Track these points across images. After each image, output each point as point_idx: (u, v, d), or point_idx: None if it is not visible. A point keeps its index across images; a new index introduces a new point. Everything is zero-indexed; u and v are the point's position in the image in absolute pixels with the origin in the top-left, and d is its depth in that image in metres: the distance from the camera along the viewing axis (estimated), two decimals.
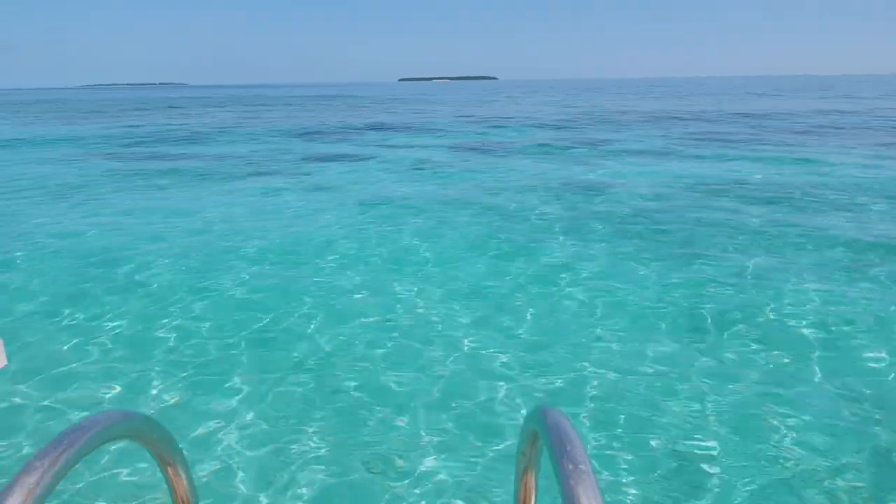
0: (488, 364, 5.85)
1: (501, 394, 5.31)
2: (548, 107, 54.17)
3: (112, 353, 6.18)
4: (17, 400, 5.27)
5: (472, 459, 4.40)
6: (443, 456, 4.43)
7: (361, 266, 8.90)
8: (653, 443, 4.55)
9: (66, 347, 6.30)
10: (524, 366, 5.80)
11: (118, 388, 5.46)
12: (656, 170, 17.43)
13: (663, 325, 6.67)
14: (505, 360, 5.93)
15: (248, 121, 41.45)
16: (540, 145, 24.16)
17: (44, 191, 15.40)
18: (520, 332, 6.58)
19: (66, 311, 7.25)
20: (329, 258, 9.34)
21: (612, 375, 5.58)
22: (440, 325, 6.76)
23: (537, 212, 12.40)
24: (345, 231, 10.97)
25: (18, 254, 9.73)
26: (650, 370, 5.66)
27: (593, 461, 4.16)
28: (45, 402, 5.22)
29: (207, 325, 6.85)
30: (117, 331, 6.69)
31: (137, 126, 38.07)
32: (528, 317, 6.95)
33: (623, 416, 4.91)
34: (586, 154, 21.25)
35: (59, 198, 14.45)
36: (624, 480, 4.17)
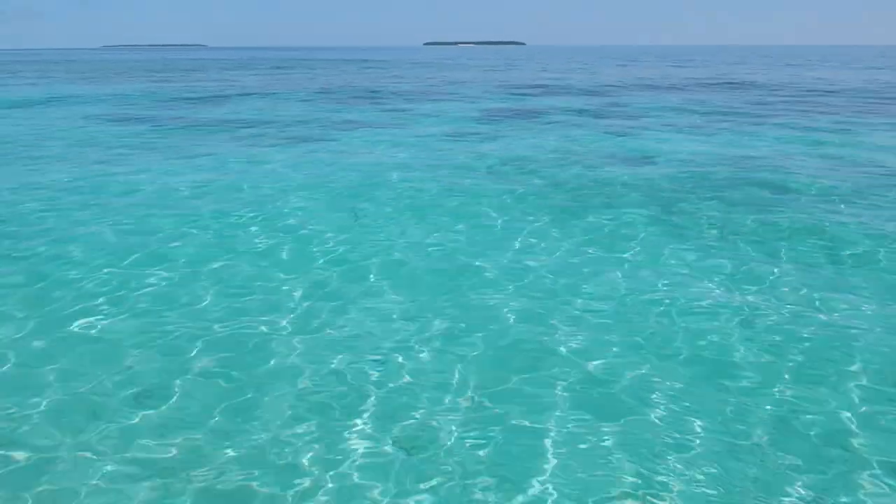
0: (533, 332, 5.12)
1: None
2: (577, 73, 52.51)
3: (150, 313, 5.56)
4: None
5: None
6: None
7: (389, 230, 8.17)
8: None
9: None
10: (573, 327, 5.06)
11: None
12: (695, 141, 16.37)
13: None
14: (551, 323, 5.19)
15: (270, 85, 40.60)
16: (571, 111, 23.06)
17: (63, 148, 14.81)
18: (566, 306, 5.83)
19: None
20: (355, 225, 8.62)
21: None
22: (452, 293, 6.03)
23: (570, 180, 11.55)
24: (370, 197, 10.23)
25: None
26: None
27: None
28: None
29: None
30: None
31: (159, 87, 37.44)
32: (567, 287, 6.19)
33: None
34: (619, 122, 20.17)
35: (80, 158, 13.84)
36: None
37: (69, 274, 7.13)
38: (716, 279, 7.04)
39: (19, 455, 4.03)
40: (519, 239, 8.50)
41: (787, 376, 5.02)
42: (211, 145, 16.10)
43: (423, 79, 45.88)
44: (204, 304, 6.39)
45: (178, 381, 4.93)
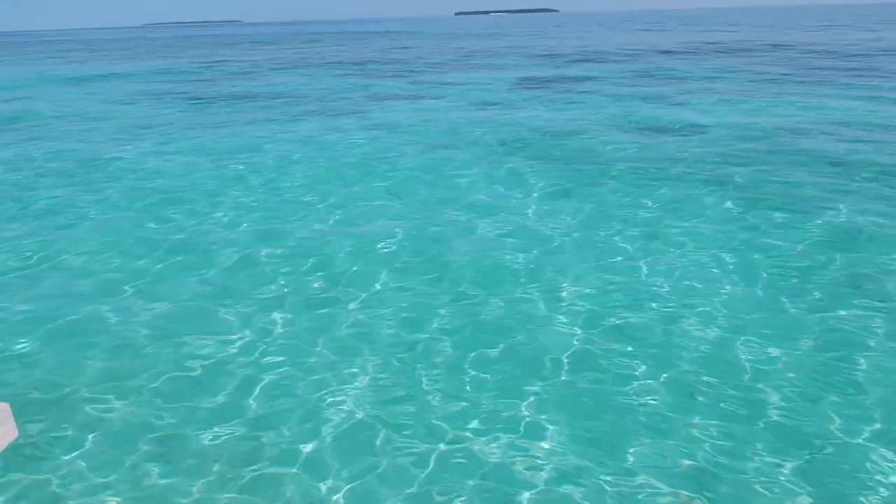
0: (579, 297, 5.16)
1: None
2: (614, 39, 51.25)
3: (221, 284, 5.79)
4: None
5: None
6: None
7: (418, 201, 8.24)
8: None
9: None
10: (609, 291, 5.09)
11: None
12: (740, 108, 15.93)
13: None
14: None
15: (304, 58, 40.70)
16: (610, 78, 22.61)
17: (115, 126, 15.22)
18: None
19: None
20: (389, 196, 8.71)
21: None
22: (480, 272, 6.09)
23: (607, 152, 11.39)
24: (403, 171, 10.30)
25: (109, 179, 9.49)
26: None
27: None
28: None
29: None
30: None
31: (198, 64, 37.88)
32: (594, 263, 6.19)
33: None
34: (660, 90, 19.71)
35: (130, 134, 14.21)
36: None
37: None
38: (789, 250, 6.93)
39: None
40: (579, 215, 8.47)
41: None
42: (249, 119, 16.31)
43: (455, 49, 45.40)
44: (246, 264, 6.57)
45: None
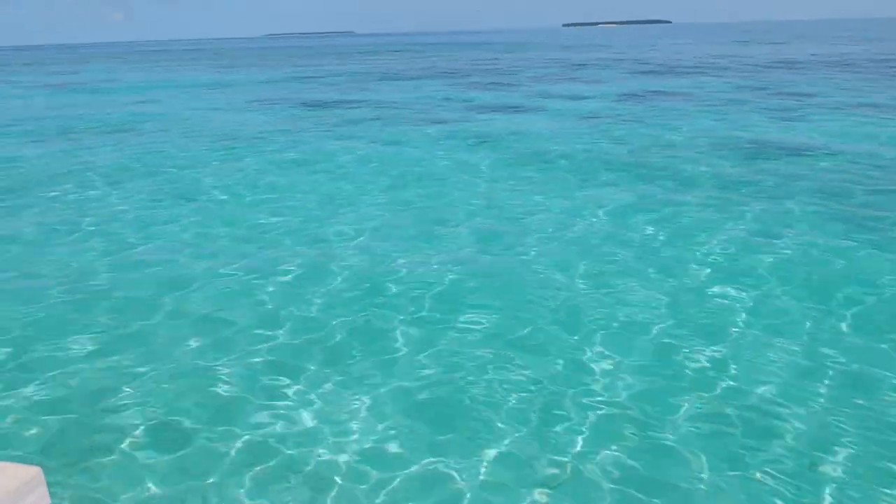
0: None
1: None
2: (731, 53, 49.02)
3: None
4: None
5: None
6: None
7: (521, 217, 8.28)
8: None
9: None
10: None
11: None
12: (872, 129, 14.81)
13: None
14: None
15: (411, 69, 41.79)
16: (723, 97, 21.67)
17: (223, 136, 16.32)
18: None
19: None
20: (490, 211, 8.81)
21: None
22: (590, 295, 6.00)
23: (714, 176, 10.93)
24: (499, 187, 10.38)
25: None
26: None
27: None
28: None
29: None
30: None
31: (312, 72, 39.80)
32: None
33: None
34: (781, 108, 18.66)
35: (245, 144, 15.20)
36: None
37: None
38: None
39: None
40: (701, 233, 8.28)
41: None
42: (360, 127, 16.98)
43: (560, 61, 45.06)
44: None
45: None
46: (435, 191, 10.24)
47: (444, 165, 12.10)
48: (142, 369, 4.97)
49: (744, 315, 5.66)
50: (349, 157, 12.98)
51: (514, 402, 4.44)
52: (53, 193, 10.63)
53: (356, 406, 4.44)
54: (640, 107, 19.60)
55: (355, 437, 4.10)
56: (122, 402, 4.52)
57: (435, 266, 7.01)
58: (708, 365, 4.87)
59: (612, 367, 4.87)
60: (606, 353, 5.10)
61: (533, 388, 4.61)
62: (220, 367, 4.98)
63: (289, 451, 3.97)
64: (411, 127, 16.81)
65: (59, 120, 19.95)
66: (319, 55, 68.32)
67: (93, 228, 8.62)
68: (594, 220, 8.53)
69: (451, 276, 6.71)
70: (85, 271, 7.05)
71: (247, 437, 4.12)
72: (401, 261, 7.16)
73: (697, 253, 7.21)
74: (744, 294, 6.08)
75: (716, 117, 17.04)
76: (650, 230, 8.04)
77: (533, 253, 7.36)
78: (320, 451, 3.96)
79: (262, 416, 4.33)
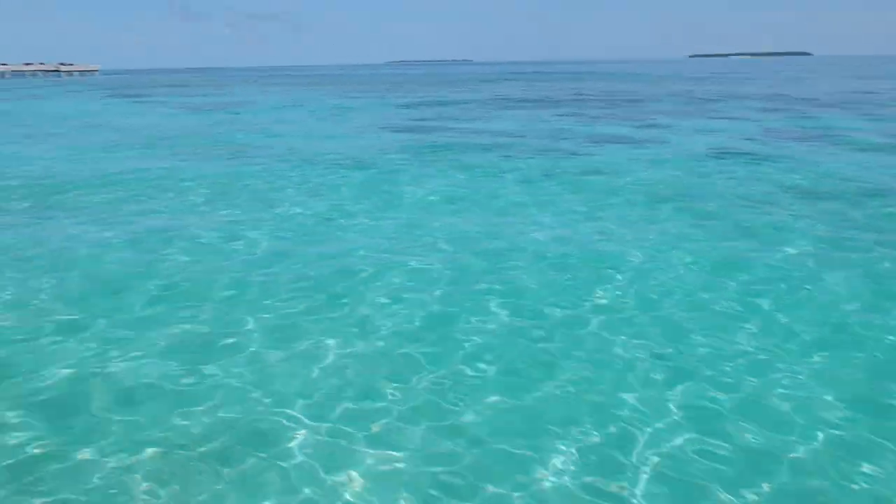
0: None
1: None
2: (873, 88, 44.84)
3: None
4: None
5: None
6: None
7: (637, 261, 7.51)
8: None
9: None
10: None
11: None
12: None
13: None
14: None
15: (527, 97, 41.51)
16: (861, 138, 19.54)
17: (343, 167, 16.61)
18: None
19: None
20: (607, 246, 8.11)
21: None
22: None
23: (870, 223, 9.59)
24: (614, 226, 9.61)
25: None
26: None
27: None
28: None
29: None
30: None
31: (428, 100, 40.51)
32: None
33: None
34: None
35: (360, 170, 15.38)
36: None
37: None
38: None
39: None
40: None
41: None
42: (469, 156, 16.74)
43: (685, 93, 43.09)
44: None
45: None
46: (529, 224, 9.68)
47: (545, 200, 11.51)
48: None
49: None
50: (443, 185, 12.69)
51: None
52: (280, 209, 11.10)
53: None
54: (769, 146, 18.03)
55: None
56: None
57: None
58: None
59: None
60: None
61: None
62: None
63: None
64: (531, 157, 16.34)
65: (223, 135, 21.32)
66: (437, 83, 69.79)
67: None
68: (727, 283, 7.62)
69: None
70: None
71: None
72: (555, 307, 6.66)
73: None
74: None
75: (859, 156, 15.27)
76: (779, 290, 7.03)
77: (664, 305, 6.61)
78: None
79: None
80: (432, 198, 11.84)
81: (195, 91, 58.72)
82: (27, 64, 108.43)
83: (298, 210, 10.98)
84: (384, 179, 13.61)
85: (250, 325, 6.23)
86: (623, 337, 5.88)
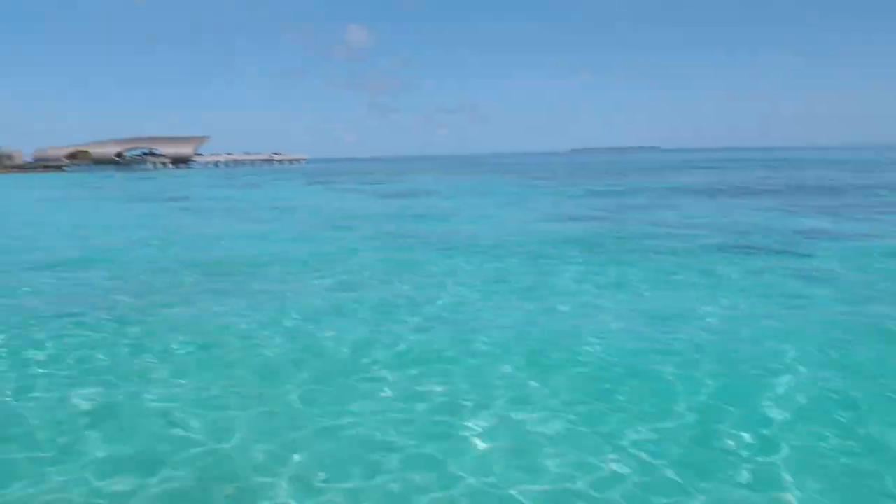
0: None
1: None
2: None
3: None
4: None
5: None
6: None
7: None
8: None
9: None
10: None
11: None
12: None
13: None
14: None
15: (722, 185, 38.82)
16: None
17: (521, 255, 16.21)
18: None
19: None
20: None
21: None
22: None
23: None
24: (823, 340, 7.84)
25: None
26: None
27: None
28: None
29: None
30: None
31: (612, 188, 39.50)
32: None
33: None
34: None
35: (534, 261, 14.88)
36: None
37: None
38: None
39: None
40: None
41: None
42: (657, 251, 15.47)
43: None
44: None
45: None
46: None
47: (764, 300, 9.92)
48: None
49: None
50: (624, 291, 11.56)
51: None
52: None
53: None
54: None
55: None
56: None
57: None
58: None
59: None
60: None
61: None
62: None
63: None
64: (733, 254, 14.70)
65: (396, 220, 22.48)
66: (623, 171, 68.54)
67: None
68: None
69: None
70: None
71: None
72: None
73: None
74: None
75: None
76: None
77: None
78: None
79: None
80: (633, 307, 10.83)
81: (384, 178, 63.34)
82: (246, 153, 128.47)
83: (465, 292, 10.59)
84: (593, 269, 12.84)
85: None
86: None
